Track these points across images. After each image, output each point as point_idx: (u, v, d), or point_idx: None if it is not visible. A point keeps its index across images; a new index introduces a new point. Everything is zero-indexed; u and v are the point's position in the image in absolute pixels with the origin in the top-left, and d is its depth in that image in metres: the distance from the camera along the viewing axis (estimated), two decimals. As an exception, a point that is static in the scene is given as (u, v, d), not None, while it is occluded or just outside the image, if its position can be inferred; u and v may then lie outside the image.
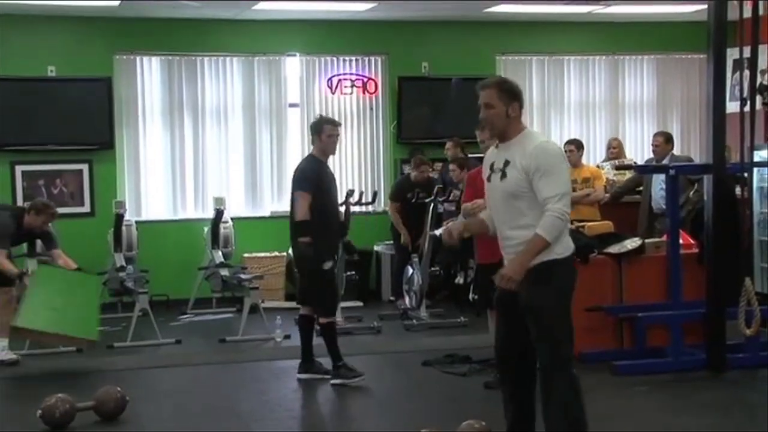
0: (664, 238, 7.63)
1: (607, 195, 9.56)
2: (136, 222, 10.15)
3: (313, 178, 6.73)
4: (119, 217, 9.36)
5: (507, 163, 4.31)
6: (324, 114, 10.18)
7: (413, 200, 9.77)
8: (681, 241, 7.42)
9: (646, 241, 7.73)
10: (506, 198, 4.34)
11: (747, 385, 6.69)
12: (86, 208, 10.34)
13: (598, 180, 9.52)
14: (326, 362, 7.04)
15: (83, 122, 10.18)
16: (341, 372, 6.74)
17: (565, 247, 4.36)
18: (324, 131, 6.80)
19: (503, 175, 4.32)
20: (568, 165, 4.56)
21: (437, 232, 9.19)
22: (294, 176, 6.85)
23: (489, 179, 4.47)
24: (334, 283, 7.00)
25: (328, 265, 6.70)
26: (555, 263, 4.30)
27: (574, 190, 9.26)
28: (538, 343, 4.34)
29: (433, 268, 9.45)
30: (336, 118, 10.96)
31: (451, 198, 9.19)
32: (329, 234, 6.81)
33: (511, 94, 4.34)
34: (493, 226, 4.52)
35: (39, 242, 8.22)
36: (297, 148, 11.00)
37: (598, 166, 10.24)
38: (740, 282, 6.45)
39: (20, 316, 7.17)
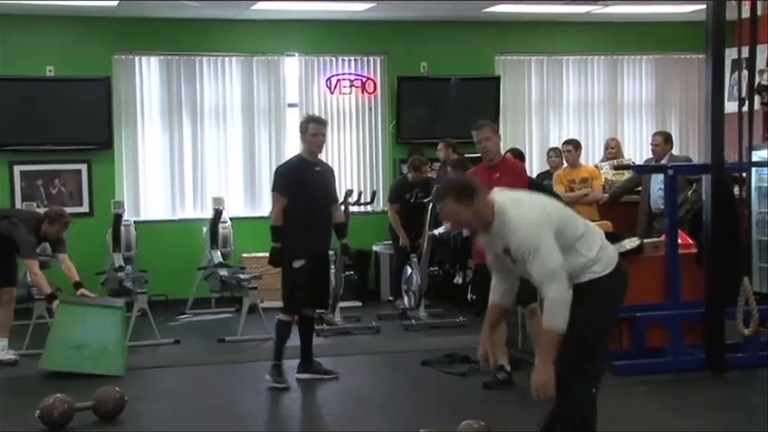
0: (663, 238, 7.63)
1: (606, 195, 9.56)
2: (135, 222, 10.14)
3: (288, 179, 6.71)
4: (118, 217, 9.35)
5: (507, 249, 4.05)
6: (322, 114, 10.22)
7: (412, 201, 9.77)
8: (679, 241, 7.42)
9: (645, 241, 7.73)
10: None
11: (746, 385, 6.70)
12: (85, 208, 10.33)
13: (596, 180, 9.52)
14: (325, 362, 7.05)
15: (82, 122, 10.17)
16: (272, 371, 6.74)
17: (605, 265, 4.14)
18: (308, 130, 6.77)
19: (513, 260, 4.08)
20: (549, 223, 4.00)
21: (436, 232, 9.20)
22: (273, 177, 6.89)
23: (498, 259, 4.23)
24: (302, 282, 6.73)
25: (298, 263, 6.64)
26: (595, 282, 4.10)
27: (572, 189, 9.30)
28: (565, 355, 4.10)
29: (431, 268, 9.45)
30: (335, 118, 11.10)
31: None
32: (308, 234, 6.68)
33: (468, 194, 4.03)
34: (510, 299, 4.34)
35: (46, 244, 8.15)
36: (296, 148, 10.90)
37: (596, 166, 10.24)
38: (738, 282, 6.45)
39: (46, 357, 7.14)
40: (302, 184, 6.70)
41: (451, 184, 4.18)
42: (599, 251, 4.12)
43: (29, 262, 7.53)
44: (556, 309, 3.89)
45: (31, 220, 7.72)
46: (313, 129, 6.76)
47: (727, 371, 6.75)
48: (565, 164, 9.66)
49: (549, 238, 3.93)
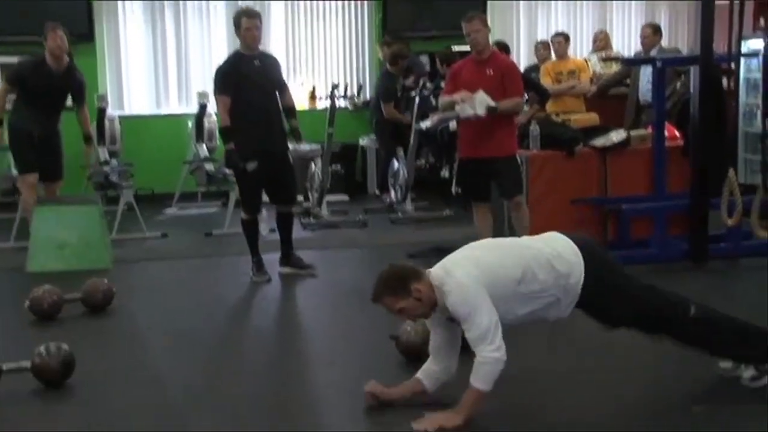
0: (650, 130, 7.62)
1: (593, 88, 9.50)
2: (119, 116, 10.06)
3: (226, 78, 6.53)
4: (101, 111, 9.25)
5: (450, 317, 3.92)
6: (308, 7, 10.06)
7: (400, 94, 9.71)
8: (666, 134, 7.42)
9: (632, 133, 7.72)
10: None
11: (728, 274, 6.79)
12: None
13: (583, 72, 9.44)
14: (312, 255, 7.08)
15: (61, 13, 9.95)
16: (252, 267, 6.79)
17: (576, 272, 3.95)
18: (241, 25, 6.59)
19: (459, 323, 3.92)
20: (473, 288, 3.82)
21: (423, 125, 9.16)
22: None
23: (443, 332, 4.05)
24: (256, 185, 6.68)
25: (251, 166, 6.52)
26: (587, 289, 3.96)
27: (559, 82, 9.23)
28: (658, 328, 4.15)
29: (418, 162, 9.45)
30: (320, 12, 10.94)
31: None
32: (257, 133, 6.52)
33: (401, 284, 3.86)
34: (434, 385, 4.07)
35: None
36: (281, 41, 10.85)
37: (584, 59, 10.15)
38: (724, 173, 6.47)
39: (31, 260, 7.13)
40: (242, 81, 6.49)
41: (382, 281, 3.91)
42: (556, 267, 3.93)
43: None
44: (485, 371, 3.78)
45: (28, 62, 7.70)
46: (246, 23, 6.55)
47: (710, 261, 6.82)
48: (554, 56, 9.58)
49: (482, 300, 3.79)
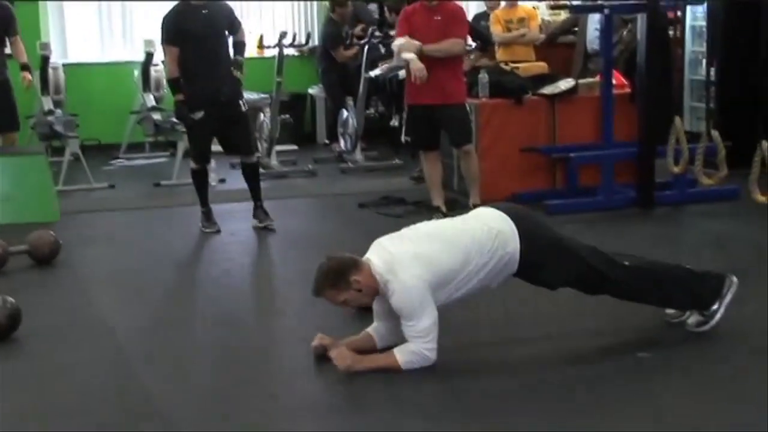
0: (598, 78, 7.66)
1: (542, 36, 9.50)
2: (63, 64, 9.87)
3: (173, 28, 6.42)
4: (45, 59, 9.07)
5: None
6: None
7: (349, 42, 9.65)
8: (614, 81, 7.46)
9: (580, 81, 7.76)
10: None
11: (673, 221, 6.89)
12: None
13: (533, 20, 9.42)
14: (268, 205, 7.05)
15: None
16: (201, 217, 6.78)
17: (512, 245, 4.01)
18: None
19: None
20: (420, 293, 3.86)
21: (372, 74, 9.12)
22: None
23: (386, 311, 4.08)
24: (203, 134, 6.60)
25: (197, 115, 6.44)
26: (526, 260, 4.04)
27: (509, 30, 9.21)
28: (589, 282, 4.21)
29: (367, 111, 9.42)
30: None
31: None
32: (204, 83, 6.42)
33: (341, 277, 3.90)
34: (385, 342, 4.08)
35: None
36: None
37: (533, 7, 10.13)
38: (670, 121, 6.54)
39: None
40: (188, 31, 6.38)
41: (322, 275, 3.94)
42: (494, 242, 3.99)
43: None
44: (411, 358, 3.86)
45: None
46: None
47: (657, 208, 6.92)
48: (503, 4, 9.54)
49: (425, 302, 3.84)
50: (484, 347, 4.27)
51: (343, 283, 3.91)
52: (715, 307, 4.23)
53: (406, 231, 4.16)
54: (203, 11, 6.45)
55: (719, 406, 3.59)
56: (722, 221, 6.72)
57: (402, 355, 3.88)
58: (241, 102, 6.66)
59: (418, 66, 6.46)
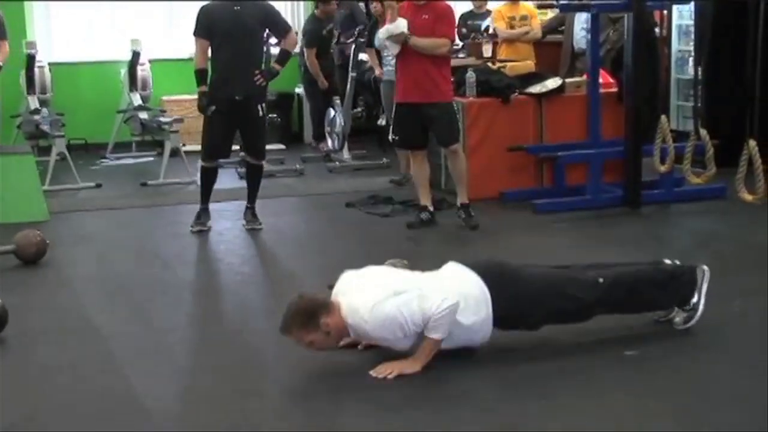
0: (585, 77, 7.67)
1: (539, 35, 9.48)
2: (49, 63, 9.83)
3: (201, 20, 6.48)
4: (31, 58, 9.04)
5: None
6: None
7: (324, 34, 9.64)
8: (601, 80, 7.47)
9: (567, 80, 7.77)
10: None
11: (660, 220, 6.91)
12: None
13: (534, 19, 9.45)
14: (243, 205, 7.02)
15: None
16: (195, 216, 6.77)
17: (483, 311, 3.97)
18: None
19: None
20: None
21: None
22: None
23: None
24: (214, 130, 6.57)
25: (210, 110, 6.47)
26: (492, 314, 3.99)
27: (512, 27, 9.25)
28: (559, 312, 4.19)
29: (354, 110, 9.41)
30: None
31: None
32: (223, 79, 6.46)
33: (310, 318, 3.86)
34: None
35: None
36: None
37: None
38: (657, 120, 6.56)
39: None
40: (217, 26, 6.44)
41: (291, 314, 3.92)
42: (467, 314, 3.94)
43: None
44: (440, 324, 3.82)
45: None
46: None
47: (643, 207, 6.94)
48: (503, 3, 9.55)
49: (399, 315, 3.79)
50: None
51: (312, 325, 3.86)
52: (695, 299, 4.27)
53: (373, 269, 4.15)
54: (235, 8, 6.46)
55: (704, 404, 3.60)
56: (709, 220, 6.75)
57: (432, 331, 3.83)
58: (259, 106, 6.65)
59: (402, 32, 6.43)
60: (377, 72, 8.57)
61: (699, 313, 4.25)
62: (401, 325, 3.82)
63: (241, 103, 6.51)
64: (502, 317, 4.01)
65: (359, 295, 3.89)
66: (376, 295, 3.86)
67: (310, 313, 3.89)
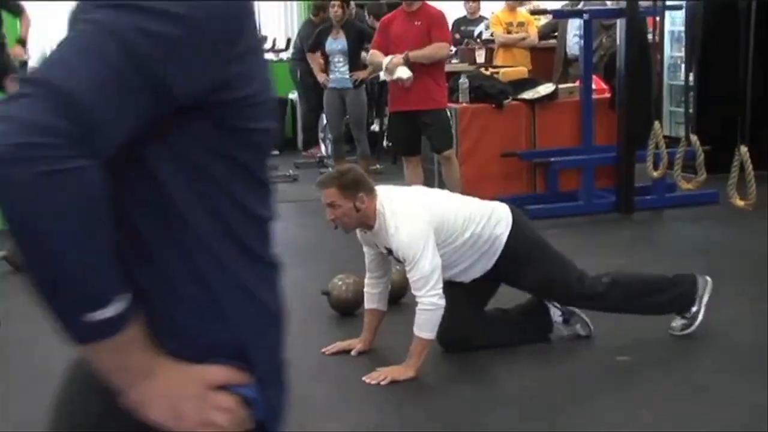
0: (578, 83, 7.69)
1: (535, 40, 9.52)
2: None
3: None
4: (23, 64, 9.00)
5: (390, 251, 4.02)
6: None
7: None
8: (594, 86, 7.49)
9: (559, 86, 7.78)
10: None
11: (652, 225, 6.93)
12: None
13: (531, 25, 9.49)
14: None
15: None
16: None
17: (503, 223, 4.14)
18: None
19: (398, 261, 4.08)
20: (427, 221, 3.95)
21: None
22: None
23: (378, 257, 4.24)
24: None
25: None
26: (504, 245, 4.12)
27: (509, 33, 9.28)
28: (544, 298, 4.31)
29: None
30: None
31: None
32: None
33: (353, 186, 3.94)
34: (385, 302, 4.27)
35: None
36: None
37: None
38: (650, 126, 6.57)
39: None
40: None
41: (340, 172, 4.05)
42: (491, 219, 4.12)
43: None
44: (426, 319, 3.88)
45: None
46: None
47: (636, 213, 6.95)
48: (502, 5, 9.59)
49: (428, 244, 3.87)
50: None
51: (351, 192, 3.92)
52: (695, 308, 4.29)
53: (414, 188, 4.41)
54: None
55: (696, 410, 3.61)
56: (701, 225, 6.76)
57: (419, 327, 3.89)
58: None
59: (409, 76, 6.45)
60: (320, 79, 8.51)
61: (698, 321, 4.28)
62: (415, 250, 3.83)
63: None
64: (505, 257, 4.07)
65: (406, 218, 3.90)
66: (418, 236, 3.86)
67: (356, 182, 3.96)
